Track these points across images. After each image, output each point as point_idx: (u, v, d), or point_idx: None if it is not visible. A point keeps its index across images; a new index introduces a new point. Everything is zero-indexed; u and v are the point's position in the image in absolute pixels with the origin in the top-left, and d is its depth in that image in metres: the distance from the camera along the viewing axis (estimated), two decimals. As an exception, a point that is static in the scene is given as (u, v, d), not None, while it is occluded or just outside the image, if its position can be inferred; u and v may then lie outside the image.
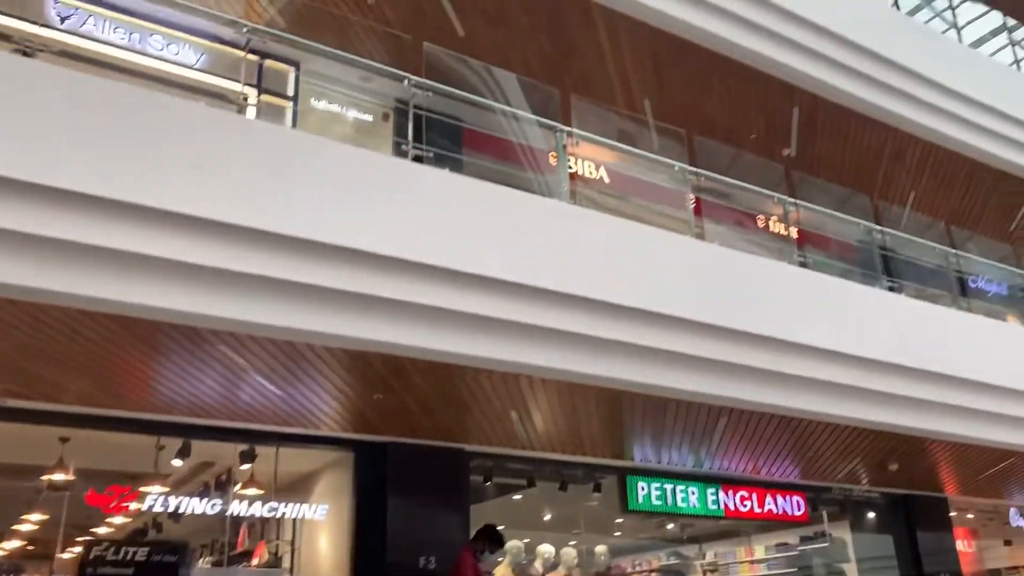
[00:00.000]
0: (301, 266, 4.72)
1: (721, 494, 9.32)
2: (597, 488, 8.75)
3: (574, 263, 5.83)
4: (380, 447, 7.58)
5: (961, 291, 10.50)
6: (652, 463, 8.95)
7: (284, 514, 7.92)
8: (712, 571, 12.77)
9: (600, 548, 9.30)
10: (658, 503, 8.80)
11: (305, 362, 5.83)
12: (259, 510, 7.78)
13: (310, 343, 5.38)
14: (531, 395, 6.78)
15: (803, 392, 7.09)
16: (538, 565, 8.31)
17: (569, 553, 8.52)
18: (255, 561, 8.40)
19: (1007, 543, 12.58)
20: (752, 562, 12.47)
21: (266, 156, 4.88)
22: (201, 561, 8.76)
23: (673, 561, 13.43)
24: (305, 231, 4.69)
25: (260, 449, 7.58)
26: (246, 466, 7.67)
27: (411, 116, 6.19)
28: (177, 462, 7.42)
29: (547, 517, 10.46)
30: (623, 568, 14.14)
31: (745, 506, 9.42)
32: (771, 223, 8.64)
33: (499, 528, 5.88)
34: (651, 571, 13.81)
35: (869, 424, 7.62)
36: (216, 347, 5.45)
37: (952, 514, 11.68)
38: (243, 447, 7.50)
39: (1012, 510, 12.00)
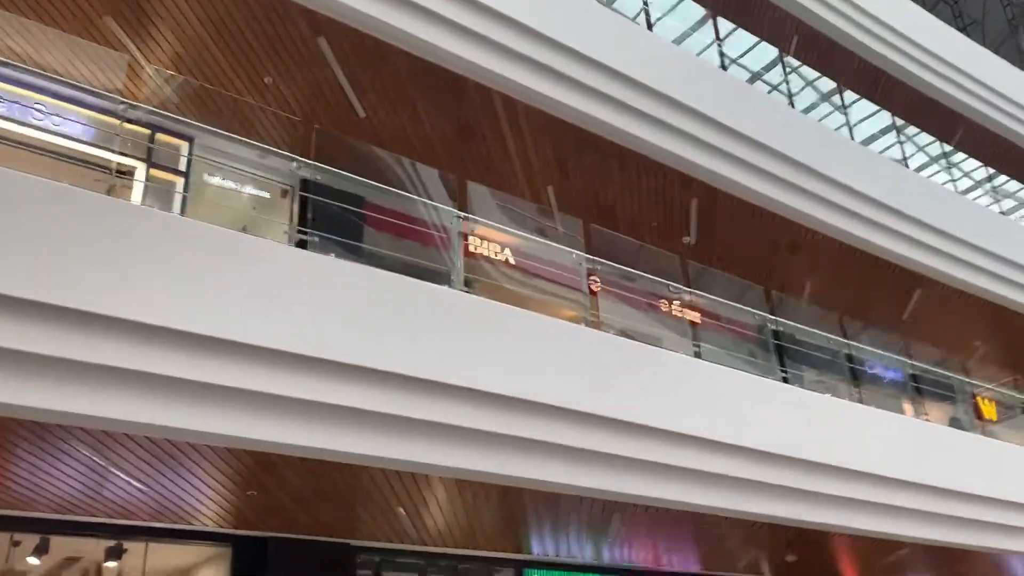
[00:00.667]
0: (159, 357, 4.46)
1: (620, 585, 9.11)
2: (492, 585, 8.44)
3: (459, 352, 5.69)
4: (260, 542, 7.14)
5: (856, 378, 10.76)
6: (551, 556, 8.69)
7: (156, 611, 7.37)
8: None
9: None
10: (555, 601, 8.54)
11: (170, 458, 5.47)
12: (129, 607, 7.23)
13: (170, 439, 5.06)
14: (416, 490, 6.51)
15: (695, 485, 7.04)
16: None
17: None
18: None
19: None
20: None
21: (131, 240, 4.65)
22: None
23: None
24: (163, 319, 4.44)
25: (129, 544, 7.08)
26: (113, 563, 7.14)
27: (295, 200, 6.02)
28: (33, 560, 6.84)
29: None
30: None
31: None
32: (672, 308, 8.72)
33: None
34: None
35: (764, 518, 7.59)
36: (68, 443, 5.07)
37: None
38: (110, 543, 6.99)
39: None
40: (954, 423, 11.74)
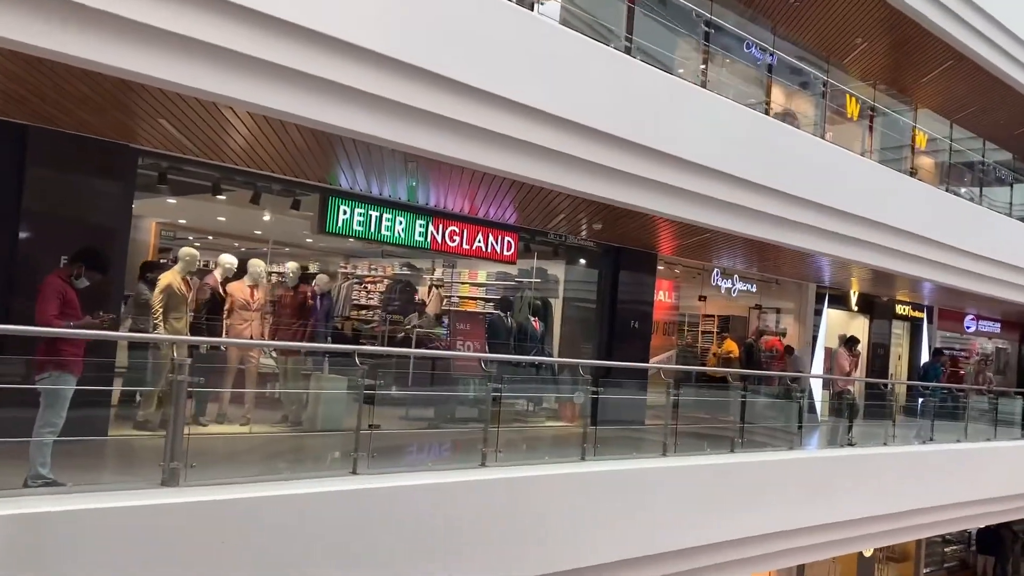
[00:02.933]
0: None
1: (431, 227, 9.20)
2: (295, 205, 8.29)
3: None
4: (18, 128, 6.53)
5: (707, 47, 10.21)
6: (360, 189, 8.53)
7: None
8: (438, 286, 13.19)
9: (291, 265, 9.08)
10: (359, 228, 8.54)
11: None
12: None
13: None
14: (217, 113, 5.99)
15: (520, 155, 6.82)
16: (217, 274, 7.97)
17: (257, 265, 8.23)
18: None
19: (701, 298, 13.83)
20: (474, 284, 12.96)
21: None
22: None
23: (405, 271, 13.74)
24: None
25: None
26: None
27: None
28: None
29: (232, 226, 10.15)
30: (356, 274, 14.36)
31: (454, 241, 9.41)
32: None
33: (101, 251, 5.31)
34: (384, 278, 14.12)
35: (581, 194, 7.58)
36: None
37: (660, 268, 12.53)
38: None
39: (715, 271, 13.01)
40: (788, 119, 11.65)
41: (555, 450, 7.79)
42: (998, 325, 19.91)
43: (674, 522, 7.83)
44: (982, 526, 16.31)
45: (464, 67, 6.18)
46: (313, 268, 12.91)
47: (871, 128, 13.97)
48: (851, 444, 10.37)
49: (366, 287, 14.30)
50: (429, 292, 12.92)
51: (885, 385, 15.00)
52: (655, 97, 8.04)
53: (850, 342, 11.81)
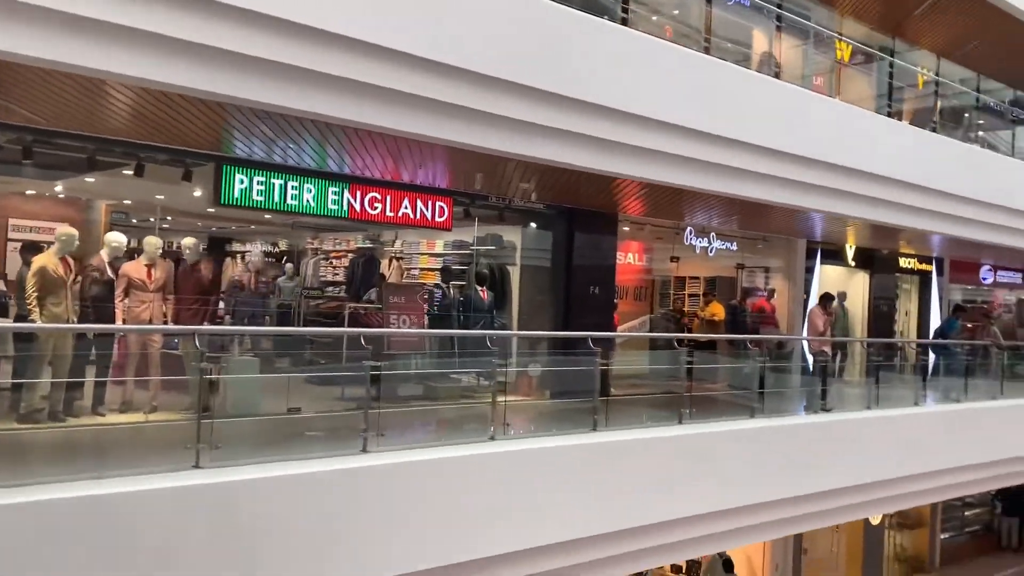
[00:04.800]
0: None
1: (347, 194, 8.58)
2: (187, 177, 7.72)
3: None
4: None
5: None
6: (261, 156, 7.93)
7: None
8: (399, 258, 12.63)
9: (188, 240, 8.54)
10: (259, 199, 7.95)
11: None
12: None
13: None
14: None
15: (440, 117, 6.27)
16: (104, 254, 7.46)
17: (152, 242, 7.71)
18: None
19: (674, 259, 13.03)
20: (432, 255, 12.37)
21: None
22: None
23: (368, 245, 13.20)
24: None
25: None
26: None
27: None
28: None
29: (118, 201, 9.67)
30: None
31: (375, 208, 8.78)
32: None
33: None
34: (348, 251, 13.61)
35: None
36: None
37: (625, 228, 11.78)
38: None
39: (688, 230, 12.19)
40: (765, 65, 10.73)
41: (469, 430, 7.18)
42: (1020, 275, 18.71)
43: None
44: (997, 488, 15.39)
45: (359, 23, 5.62)
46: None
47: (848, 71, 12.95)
48: (826, 410, 9.57)
49: (332, 262, 13.82)
50: (390, 265, 12.37)
51: (889, 345, 14.12)
52: (588, 45, 7.29)
53: (824, 299, 10.97)
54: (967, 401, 11.96)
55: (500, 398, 6.78)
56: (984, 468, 11.87)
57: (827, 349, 10.45)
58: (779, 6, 10.50)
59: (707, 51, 9.06)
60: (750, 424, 8.71)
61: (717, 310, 13.17)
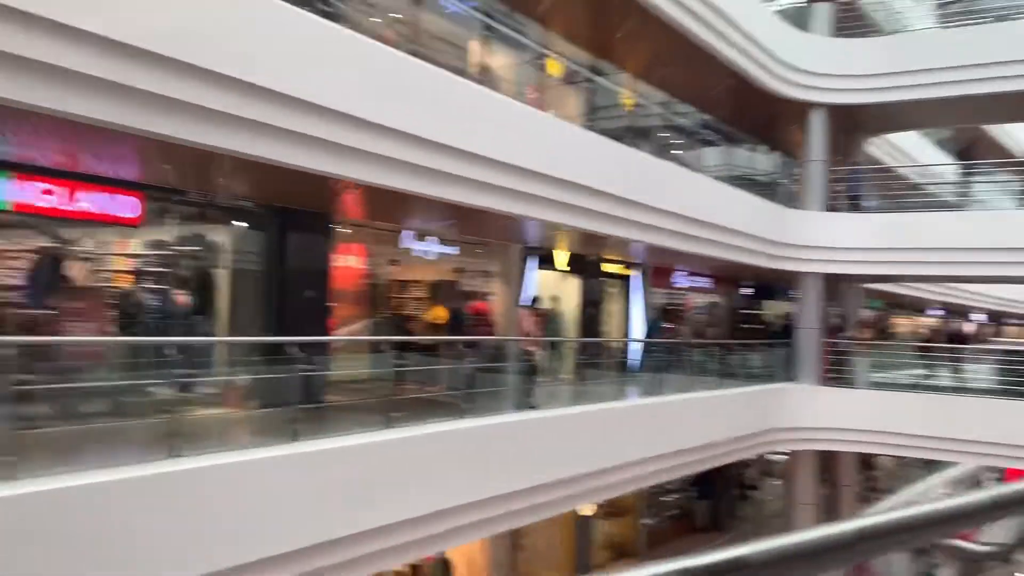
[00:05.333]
0: None
1: (11, 184, 7.49)
2: None
3: None
4: None
5: None
6: None
7: None
8: (85, 259, 11.31)
9: None
10: None
11: None
12: None
13: None
14: None
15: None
16: None
17: None
18: None
19: (393, 263, 12.99)
20: (129, 256, 11.25)
21: None
22: None
23: (51, 244, 11.69)
24: None
25: None
26: None
27: None
28: None
29: None
30: None
31: (47, 201, 7.76)
32: None
33: None
34: (30, 251, 11.97)
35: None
36: None
37: (344, 231, 11.50)
38: None
39: (408, 233, 12.16)
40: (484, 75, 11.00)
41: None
42: (709, 280, 20.90)
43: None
44: (692, 474, 16.98)
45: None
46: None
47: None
48: (532, 408, 9.93)
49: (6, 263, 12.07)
50: (75, 266, 11.02)
51: (596, 345, 15.06)
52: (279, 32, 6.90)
53: (533, 301, 11.46)
54: (664, 395, 13.07)
55: (194, 410, 6.21)
56: (679, 455, 13.01)
57: (535, 349, 10.86)
58: (488, 16, 10.75)
59: (416, 55, 9.01)
60: (460, 425, 8.78)
61: (440, 313, 13.25)
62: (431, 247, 12.48)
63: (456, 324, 12.76)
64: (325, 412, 8.96)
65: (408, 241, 12.17)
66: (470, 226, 12.52)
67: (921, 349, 19.29)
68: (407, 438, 8.04)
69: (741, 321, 21.17)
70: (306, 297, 10.15)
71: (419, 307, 13.81)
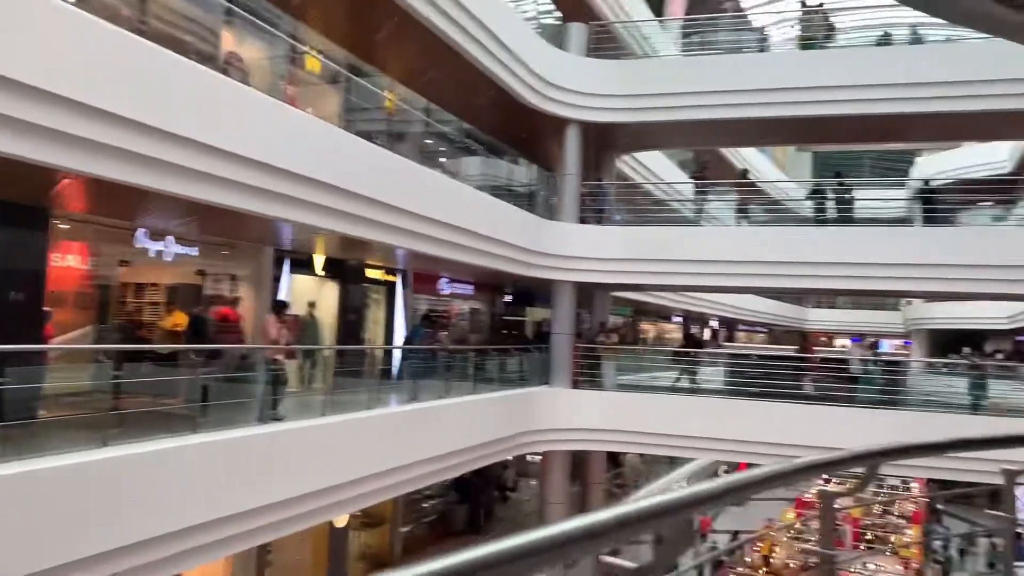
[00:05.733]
0: None
1: None
2: None
3: None
4: None
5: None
6: None
7: None
8: None
9: None
10: None
11: None
12: None
13: None
14: None
15: None
16: None
17: None
18: None
19: (123, 263, 11.89)
20: None
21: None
22: None
23: None
24: None
25: None
26: None
27: None
28: None
29: None
30: None
31: None
32: None
33: None
34: None
35: None
36: None
37: (64, 227, 10.32)
38: None
39: (140, 232, 11.16)
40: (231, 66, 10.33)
41: None
42: (472, 287, 21.23)
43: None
44: (451, 478, 17.08)
45: None
46: None
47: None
48: (277, 419, 9.43)
49: None
50: None
51: (356, 352, 14.71)
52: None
53: (278, 307, 10.96)
54: (422, 402, 12.97)
55: None
56: (437, 461, 12.97)
57: (281, 358, 10.33)
58: (233, 2, 10.12)
59: (143, 34, 8.25)
60: (191, 440, 8.12)
61: (179, 320, 12.28)
62: (169, 247, 11.52)
63: (198, 331, 11.87)
64: (34, 428, 7.95)
65: (143, 240, 11.13)
66: (215, 226, 11.72)
67: (662, 353, 20.79)
68: (128, 456, 7.29)
69: (502, 327, 21.70)
70: (12, 299, 8.94)
71: (157, 313, 12.72)
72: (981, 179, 24.66)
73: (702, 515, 21.92)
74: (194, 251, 12.03)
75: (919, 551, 21.31)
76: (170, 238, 11.50)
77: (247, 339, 12.35)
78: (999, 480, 3.59)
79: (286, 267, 13.92)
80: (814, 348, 23.64)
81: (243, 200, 9.33)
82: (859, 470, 2.66)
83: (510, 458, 18.86)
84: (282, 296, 13.52)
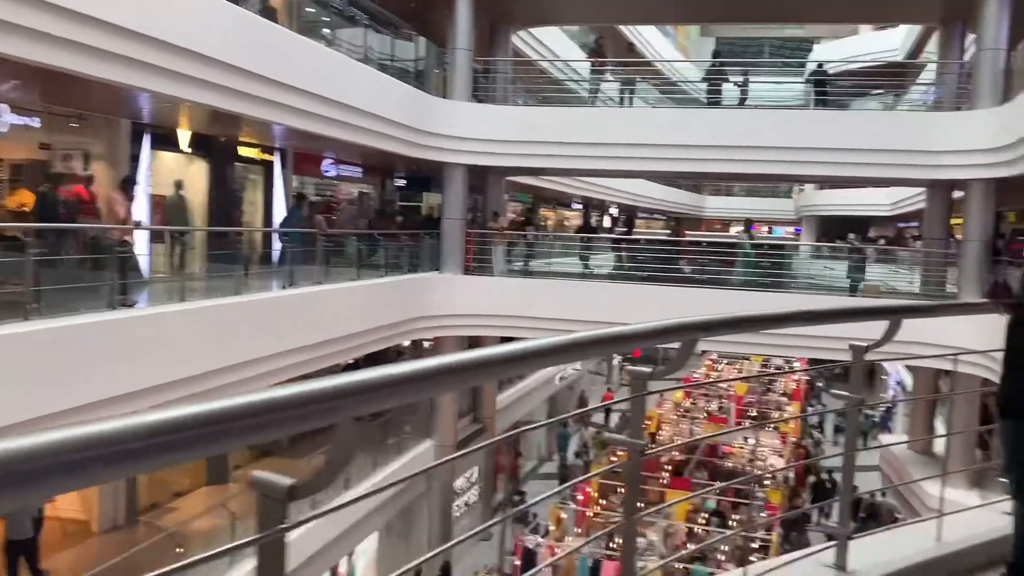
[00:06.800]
0: None
1: None
2: None
3: None
4: None
5: None
6: None
7: None
8: None
9: None
10: None
11: None
12: None
13: None
14: None
15: None
16: None
17: None
18: None
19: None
20: None
21: None
22: None
23: None
24: None
25: None
26: None
27: None
28: None
29: None
30: None
31: None
32: None
33: None
34: None
35: None
36: None
37: None
38: None
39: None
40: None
41: None
42: (360, 169, 20.31)
43: None
44: (342, 363, 16.69)
45: None
46: None
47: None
48: (127, 306, 8.72)
49: None
50: None
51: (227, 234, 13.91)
52: None
53: (125, 183, 10.04)
54: (304, 287, 12.39)
55: None
56: (325, 346, 12.54)
57: (130, 239, 9.51)
58: None
59: None
60: (23, 328, 7.38)
61: (25, 199, 11.19)
62: (4, 118, 10.30)
63: (46, 211, 10.85)
64: None
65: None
66: (57, 93, 10.53)
67: (556, 240, 20.60)
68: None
69: (395, 213, 20.98)
70: None
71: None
72: (874, 64, 24.83)
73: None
74: (35, 122, 10.81)
75: (796, 426, 22.48)
76: (2, 105, 10.26)
77: (104, 220, 11.39)
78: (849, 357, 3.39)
79: (146, 143, 12.78)
80: (685, 232, 24.26)
81: (80, 62, 8.30)
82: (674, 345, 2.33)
83: (406, 344, 18.56)
84: (143, 174, 12.45)
